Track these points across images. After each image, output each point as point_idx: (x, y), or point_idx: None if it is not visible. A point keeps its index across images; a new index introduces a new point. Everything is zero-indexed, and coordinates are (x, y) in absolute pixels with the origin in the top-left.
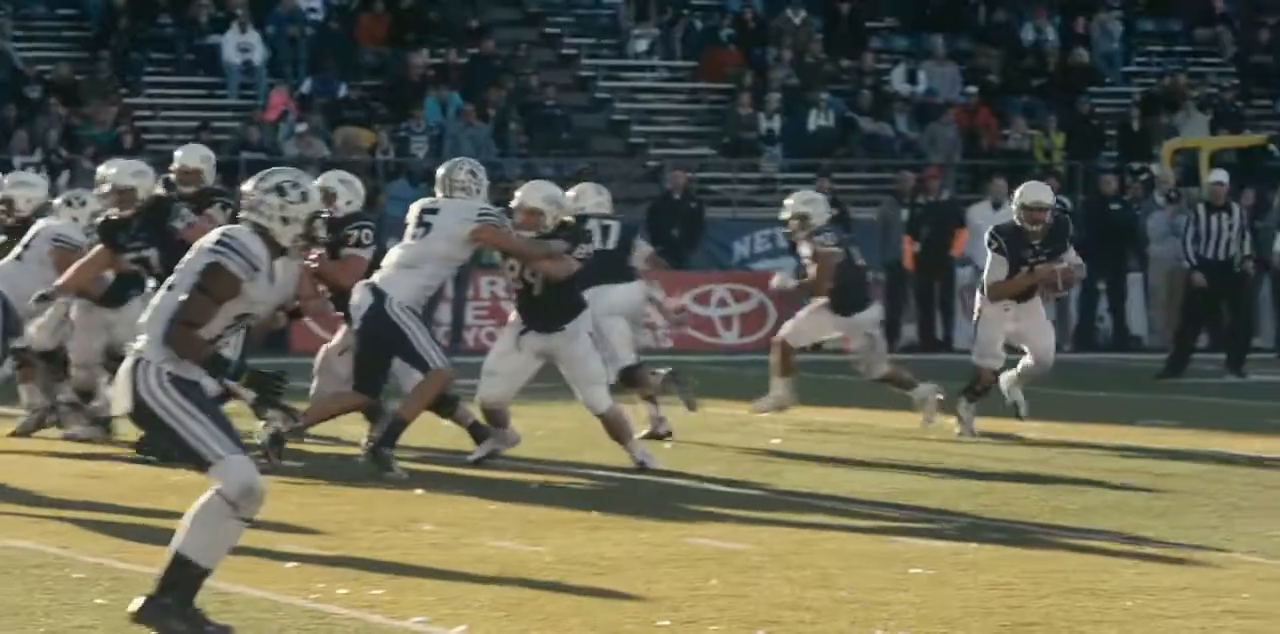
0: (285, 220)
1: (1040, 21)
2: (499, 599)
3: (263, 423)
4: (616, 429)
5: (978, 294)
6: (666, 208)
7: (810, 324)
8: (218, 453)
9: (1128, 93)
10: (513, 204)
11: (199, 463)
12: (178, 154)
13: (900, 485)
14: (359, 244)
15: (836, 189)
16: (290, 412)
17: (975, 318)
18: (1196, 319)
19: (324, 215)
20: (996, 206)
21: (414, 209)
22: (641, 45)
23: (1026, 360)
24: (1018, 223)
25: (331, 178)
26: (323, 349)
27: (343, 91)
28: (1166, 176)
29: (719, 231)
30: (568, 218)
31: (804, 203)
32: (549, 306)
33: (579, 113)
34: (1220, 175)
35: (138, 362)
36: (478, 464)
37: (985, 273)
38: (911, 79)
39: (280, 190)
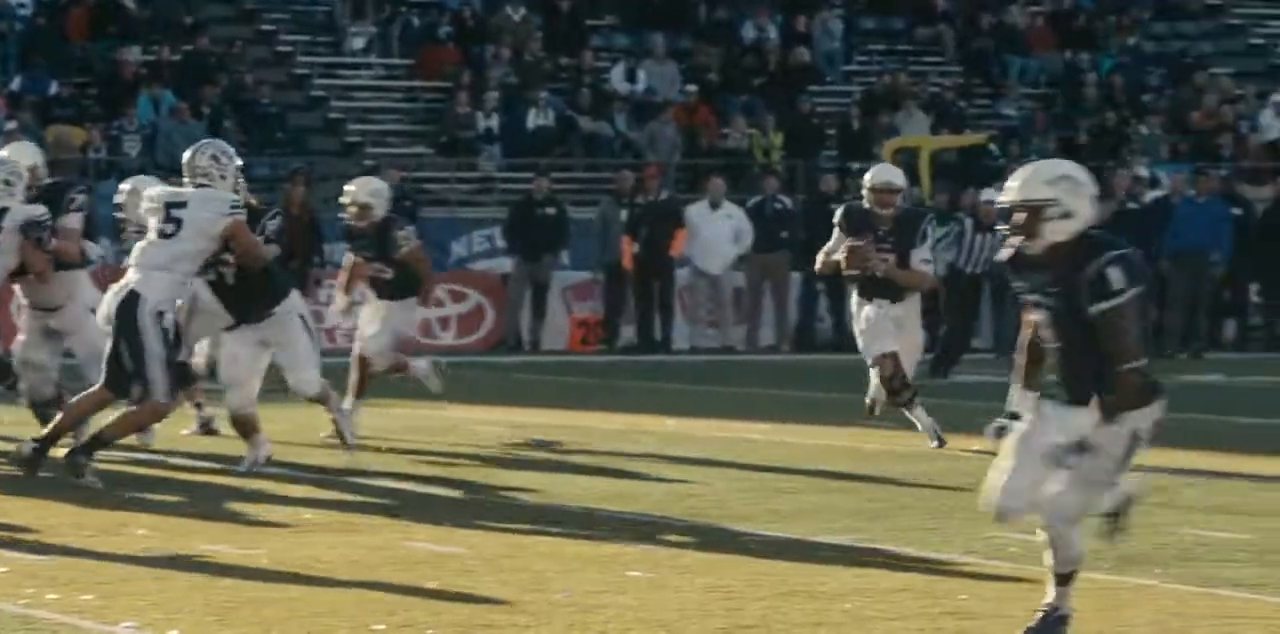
0: None
1: (761, 20)
2: (212, 603)
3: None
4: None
5: (852, 294)
6: None
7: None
8: None
9: (848, 92)
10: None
11: None
12: None
13: (612, 489)
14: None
15: (556, 188)
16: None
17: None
18: (963, 323)
19: None
20: (715, 206)
21: (157, 201)
22: (358, 43)
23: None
24: (867, 205)
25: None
26: (17, 345)
27: (54, 89)
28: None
29: (436, 231)
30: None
31: (368, 194)
32: (247, 295)
33: (294, 111)
34: (990, 194)
35: None
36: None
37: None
38: (631, 77)
39: None
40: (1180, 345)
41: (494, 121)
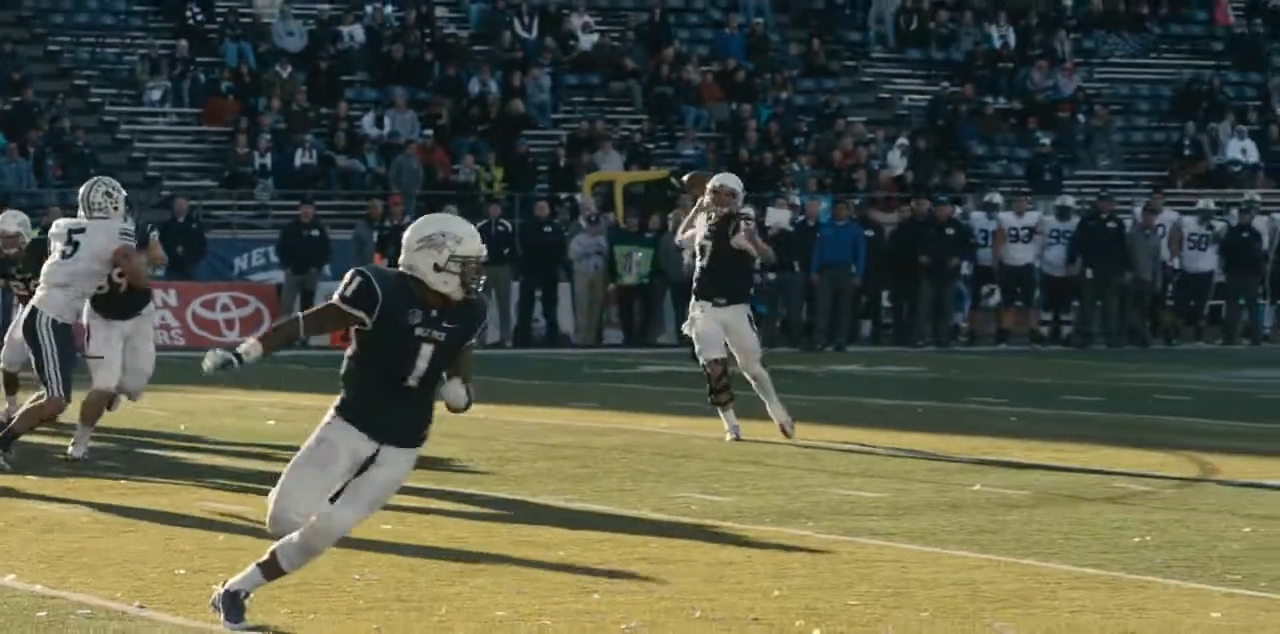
0: None
1: (484, 77)
2: (43, 552)
3: None
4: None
5: (692, 300)
6: (174, 229)
7: None
8: None
9: (556, 135)
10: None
11: None
12: None
13: None
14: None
15: (319, 214)
16: None
17: (689, 320)
18: None
19: None
20: None
21: (61, 228)
22: (155, 95)
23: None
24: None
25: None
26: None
27: None
28: (588, 204)
29: (222, 249)
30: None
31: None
32: (129, 299)
33: (104, 150)
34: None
35: None
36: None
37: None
38: (379, 123)
39: None
40: (827, 341)
41: (268, 159)
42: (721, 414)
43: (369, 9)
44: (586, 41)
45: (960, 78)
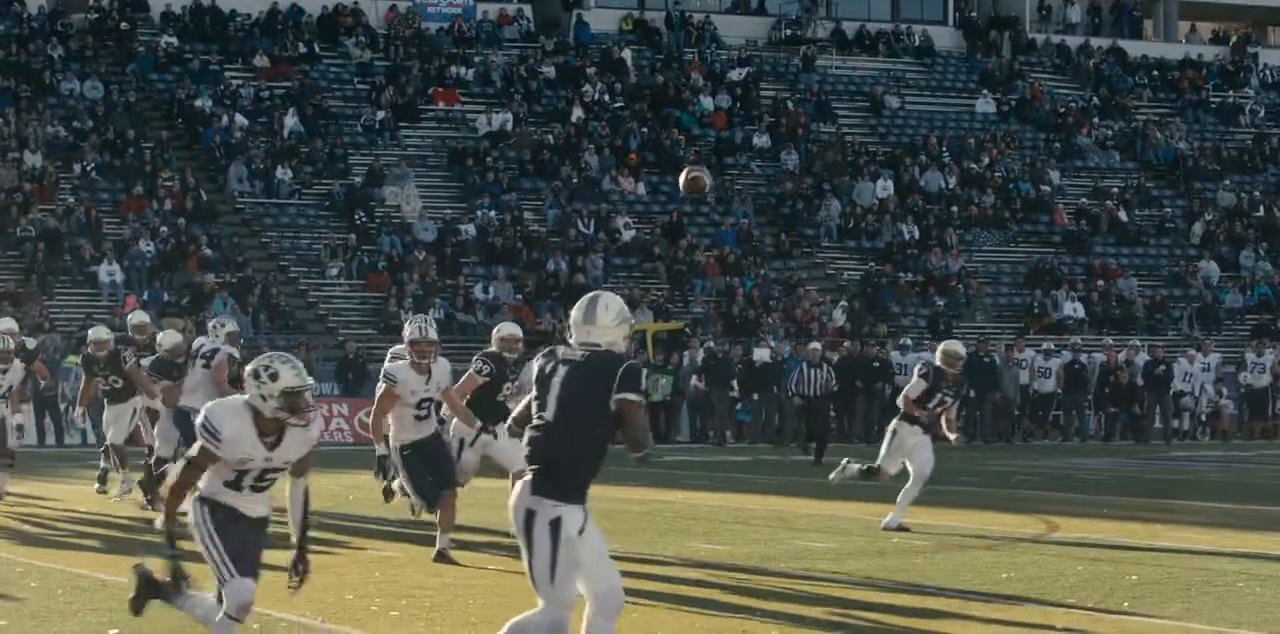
0: (263, 398)
1: (557, 259)
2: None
3: None
4: None
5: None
6: (344, 364)
7: None
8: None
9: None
10: None
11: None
12: None
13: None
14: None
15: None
16: None
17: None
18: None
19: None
20: None
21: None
22: (334, 272)
23: None
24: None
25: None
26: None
27: None
28: (629, 346)
29: (376, 375)
30: None
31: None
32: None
33: (299, 309)
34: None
35: None
36: None
37: None
38: (485, 290)
39: (255, 374)
40: (792, 439)
41: (409, 314)
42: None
43: (479, 213)
44: (627, 235)
45: (882, 259)
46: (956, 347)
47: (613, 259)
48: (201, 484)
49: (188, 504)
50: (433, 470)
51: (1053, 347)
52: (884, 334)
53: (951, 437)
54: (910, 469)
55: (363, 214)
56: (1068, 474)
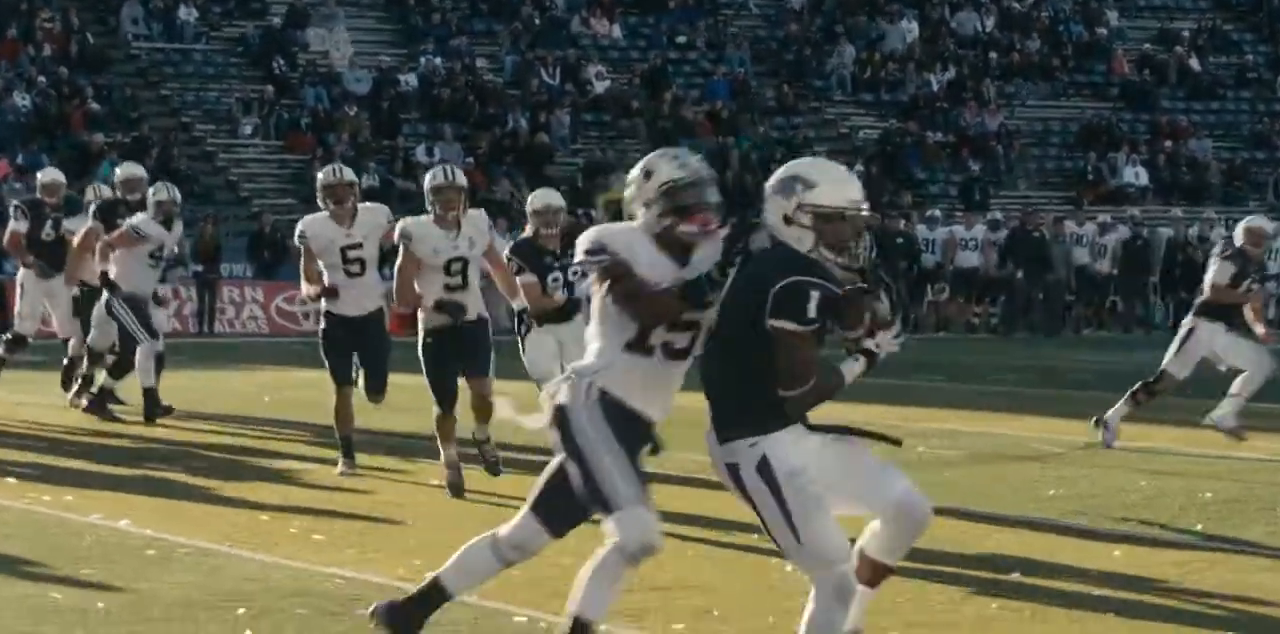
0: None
1: (516, 115)
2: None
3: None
4: None
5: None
6: (261, 239)
7: None
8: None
9: (575, 162)
10: None
11: (602, 505)
12: None
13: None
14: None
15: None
16: None
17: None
18: None
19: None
20: None
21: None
22: (248, 130)
23: None
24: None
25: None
26: None
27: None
28: (601, 217)
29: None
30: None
31: None
32: None
33: (205, 175)
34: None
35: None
36: None
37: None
38: (429, 152)
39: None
40: None
41: None
42: None
43: (422, 60)
44: (600, 87)
45: (905, 116)
46: (1261, 222)
47: (582, 115)
48: (593, 359)
49: (564, 394)
50: (464, 361)
51: (1110, 219)
52: (908, 204)
53: (1260, 330)
54: (1244, 368)
55: (282, 62)
56: (1127, 371)
